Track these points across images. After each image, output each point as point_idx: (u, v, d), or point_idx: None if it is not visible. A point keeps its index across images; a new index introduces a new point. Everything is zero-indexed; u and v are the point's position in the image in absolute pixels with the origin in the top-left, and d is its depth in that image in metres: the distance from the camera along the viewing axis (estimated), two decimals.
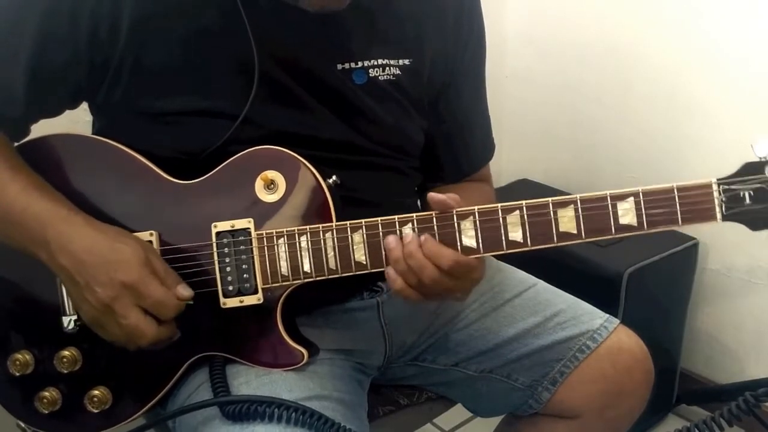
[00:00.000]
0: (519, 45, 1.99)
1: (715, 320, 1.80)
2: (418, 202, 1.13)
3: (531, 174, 2.02)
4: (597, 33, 1.84)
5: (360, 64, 0.96)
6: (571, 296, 1.13)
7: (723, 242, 1.72)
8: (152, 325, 0.87)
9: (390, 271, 0.87)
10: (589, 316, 1.09)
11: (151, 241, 0.91)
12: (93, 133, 1.01)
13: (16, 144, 0.96)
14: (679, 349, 1.79)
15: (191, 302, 0.89)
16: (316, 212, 0.90)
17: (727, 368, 1.81)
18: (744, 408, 0.77)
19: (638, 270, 1.58)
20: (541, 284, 1.15)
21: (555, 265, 1.21)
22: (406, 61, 0.99)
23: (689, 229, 1.68)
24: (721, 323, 1.79)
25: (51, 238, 0.87)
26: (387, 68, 0.98)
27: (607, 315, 1.10)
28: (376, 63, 0.97)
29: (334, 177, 0.91)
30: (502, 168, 1.96)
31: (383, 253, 0.87)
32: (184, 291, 0.88)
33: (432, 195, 0.86)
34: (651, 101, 1.77)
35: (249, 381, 0.92)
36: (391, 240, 0.86)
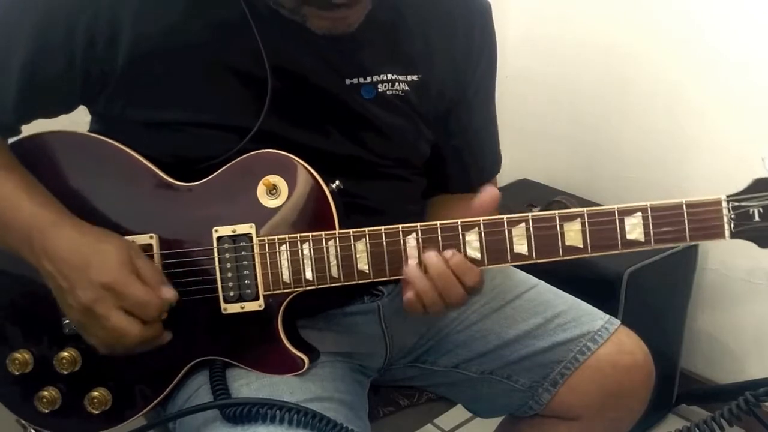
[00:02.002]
0: (519, 45, 1.98)
1: (715, 320, 1.81)
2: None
3: (531, 174, 2.02)
4: (597, 33, 1.84)
5: (369, 79, 0.95)
6: (572, 297, 1.13)
7: (723, 243, 1.71)
8: (135, 325, 0.85)
9: (412, 297, 0.87)
10: (589, 317, 1.09)
11: (151, 245, 0.90)
12: (90, 132, 1.00)
13: (13, 140, 0.95)
14: (679, 349, 1.80)
15: (174, 305, 0.88)
16: (318, 218, 0.89)
17: (727, 368, 1.81)
18: (744, 408, 0.77)
19: (638, 270, 1.58)
20: (542, 285, 1.15)
21: (555, 265, 1.20)
22: (415, 77, 0.98)
23: None
24: (721, 323, 1.80)
25: (36, 242, 0.86)
26: (396, 83, 0.97)
27: (608, 316, 1.10)
28: (385, 78, 0.96)
29: (336, 182, 0.90)
30: (502, 168, 1.96)
31: (385, 266, 0.87)
32: (168, 292, 0.87)
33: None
34: (651, 101, 1.77)
35: (250, 383, 0.92)
36: (414, 270, 0.86)
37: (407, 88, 0.98)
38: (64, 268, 0.85)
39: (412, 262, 0.86)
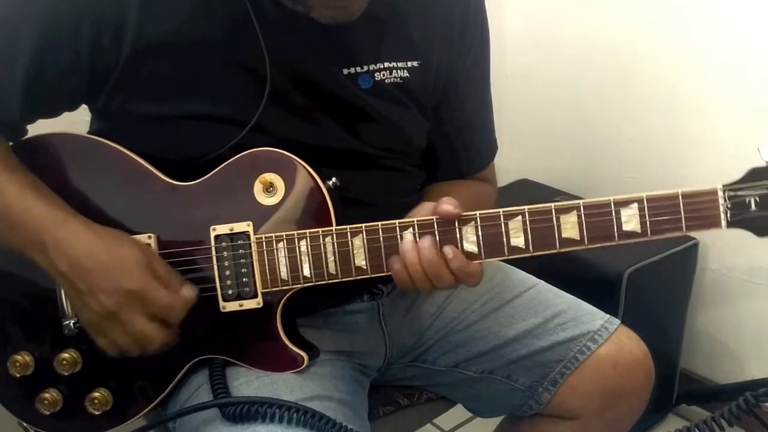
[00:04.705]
0: (519, 45, 1.99)
1: (715, 320, 1.80)
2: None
3: (531, 174, 2.02)
4: (597, 33, 1.84)
5: (365, 68, 0.95)
6: (572, 296, 1.13)
7: (723, 242, 1.72)
8: (159, 330, 0.87)
9: (397, 265, 0.87)
10: (589, 317, 1.09)
11: (149, 244, 0.90)
12: (90, 133, 1.00)
13: (14, 143, 0.96)
14: (679, 349, 1.79)
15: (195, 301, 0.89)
16: (315, 215, 0.89)
17: (727, 368, 1.81)
18: (744, 408, 0.77)
19: (638, 270, 1.58)
20: (542, 284, 1.15)
21: (555, 265, 1.21)
22: (415, 63, 0.98)
23: None
24: (721, 323, 1.79)
25: (48, 242, 0.86)
26: (394, 71, 0.97)
27: (608, 315, 1.10)
28: (382, 66, 0.96)
29: (333, 179, 0.91)
30: (502, 168, 1.97)
31: (382, 261, 0.87)
32: (189, 291, 0.88)
33: (441, 210, 0.86)
34: (651, 101, 1.77)
35: (250, 381, 0.92)
36: (408, 242, 0.86)
37: (407, 75, 0.98)
38: (82, 271, 0.85)
39: (409, 237, 0.86)
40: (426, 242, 0.85)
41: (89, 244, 0.86)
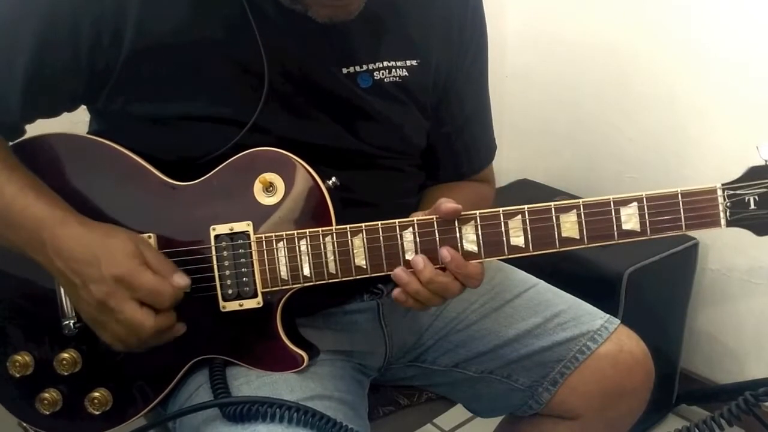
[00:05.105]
0: (519, 44, 1.99)
1: (715, 320, 1.80)
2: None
3: (531, 174, 2.02)
4: (597, 33, 1.84)
5: (365, 67, 0.95)
6: (572, 296, 1.13)
7: (723, 242, 1.72)
8: (149, 315, 0.85)
9: (400, 295, 0.87)
10: (589, 317, 1.09)
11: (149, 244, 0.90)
12: (89, 133, 1.00)
13: (13, 143, 0.95)
14: (679, 349, 1.79)
15: (188, 290, 0.88)
16: (315, 215, 0.89)
17: (727, 368, 1.81)
18: (744, 408, 0.77)
19: (638, 270, 1.58)
20: (542, 284, 1.15)
21: (555, 265, 1.21)
22: (414, 62, 0.98)
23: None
24: (721, 323, 1.79)
25: (47, 240, 0.86)
26: (393, 70, 0.97)
27: (608, 315, 1.10)
28: (381, 65, 0.96)
29: (333, 178, 0.91)
30: (502, 168, 1.97)
31: (382, 261, 0.87)
32: (180, 279, 0.87)
33: (444, 208, 0.86)
34: (651, 101, 1.77)
35: (250, 381, 0.92)
36: (402, 274, 0.86)
37: (405, 74, 0.98)
38: (74, 265, 0.85)
39: (399, 270, 0.86)
40: (419, 264, 0.86)
41: (81, 239, 0.86)
